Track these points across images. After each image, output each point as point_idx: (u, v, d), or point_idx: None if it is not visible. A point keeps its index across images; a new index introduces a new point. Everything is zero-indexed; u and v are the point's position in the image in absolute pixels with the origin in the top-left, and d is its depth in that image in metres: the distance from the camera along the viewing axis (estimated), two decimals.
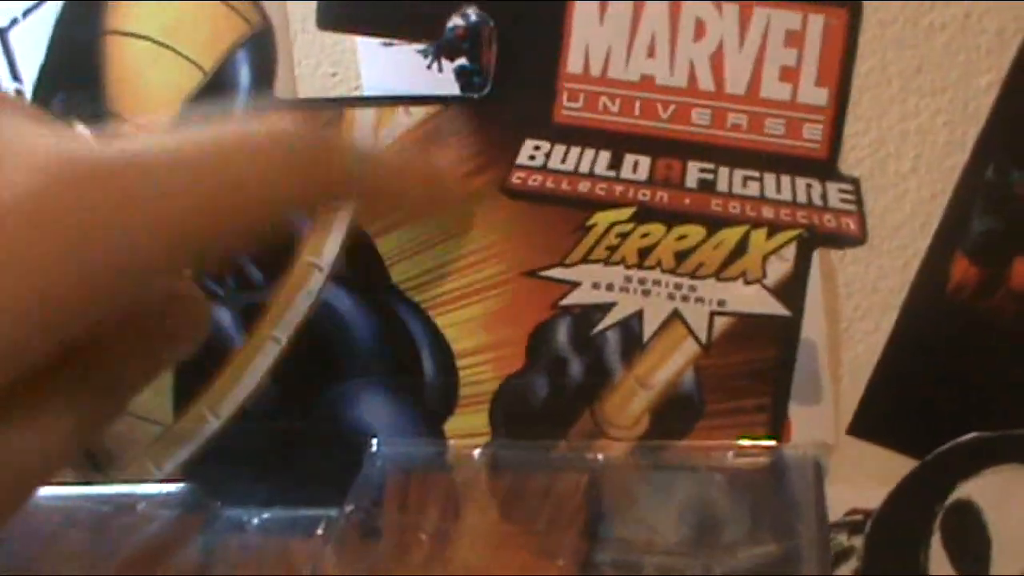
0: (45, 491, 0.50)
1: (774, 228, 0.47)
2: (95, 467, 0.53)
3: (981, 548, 0.50)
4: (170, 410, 0.52)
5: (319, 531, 0.49)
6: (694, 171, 0.47)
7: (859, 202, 0.47)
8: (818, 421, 0.50)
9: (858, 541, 0.51)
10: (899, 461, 0.50)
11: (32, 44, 0.49)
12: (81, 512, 0.52)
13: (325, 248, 0.50)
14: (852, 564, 0.51)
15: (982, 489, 0.50)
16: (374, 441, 0.51)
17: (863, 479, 0.50)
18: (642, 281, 0.48)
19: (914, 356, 0.49)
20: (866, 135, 0.47)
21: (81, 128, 0.50)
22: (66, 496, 0.52)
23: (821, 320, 0.49)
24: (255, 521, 0.51)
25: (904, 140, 0.47)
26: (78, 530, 0.51)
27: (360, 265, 0.50)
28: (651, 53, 0.46)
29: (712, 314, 0.48)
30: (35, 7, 0.49)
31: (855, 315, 0.49)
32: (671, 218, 0.47)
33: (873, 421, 0.50)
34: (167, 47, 0.48)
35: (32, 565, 0.49)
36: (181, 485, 0.52)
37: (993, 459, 0.50)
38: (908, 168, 0.47)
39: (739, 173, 0.47)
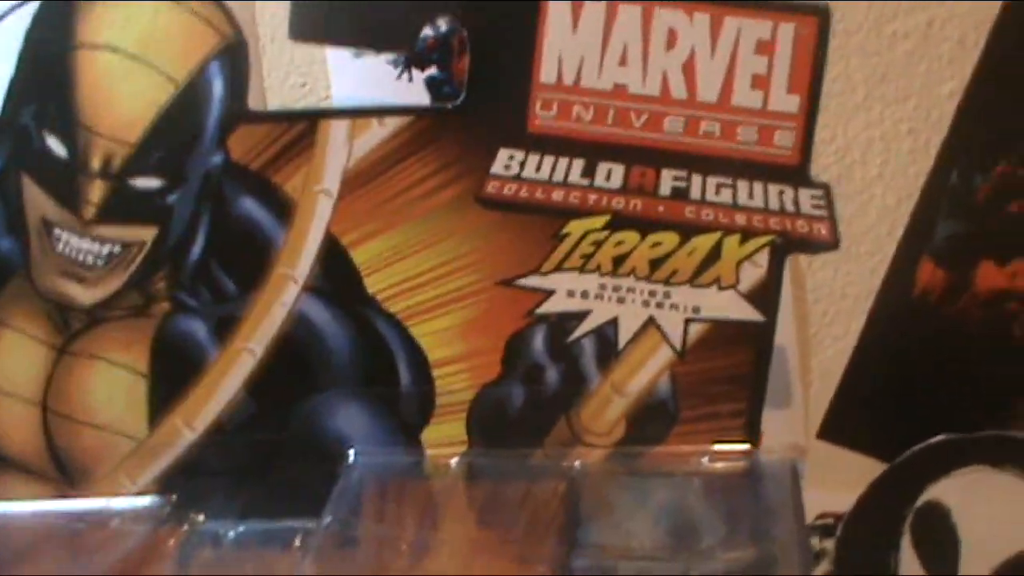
0: (17, 508, 0.50)
1: (747, 234, 0.47)
2: (67, 482, 0.52)
3: (950, 549, 0.51)
4: (144, 423, 0.52)
5: (296, 543, 0.49)
6: (667, 179, 0.47)
7: (830, 207, 0.47)
8: (788, 425, 0.50)
9: (829, 544, 0.51)
10: (869, 464, 0.51)
11: (1, 57, 0.49)
12: (54, 529, 0.51)
13: (299, 259, 0.50)
14: (824, 567, 0.52)
15: (951, 491, 0.50)
16: (351, 452, 0.51)
17: (833, 483, 0.51)
18: (617, 288, 0.49)
19: (882, 360, 0.50)
20: (832, 142, 0.48)
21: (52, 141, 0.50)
22: (38, 513, 0.52)
23: (791, 325, 0.50)
24: (231, 534, 0.50)
25: (870, 147, 0.48)
26: (51, 547, 0.51)
27: (335, 276, 0.50)
28: (623, 62, 0.46)
29: (687, 320, 0.49)
30: (2, 18, 0.48)
31: (824, 320, 0.50)
32: (645, 226, 0.48)
33: (843, 425, 0.51)
34: (139, 60, 0.48)
35: None
36: (156, 499, 0.52)
37: (961, 461, 0.50)
38: (874, 175, 0.48)
39: (712, 180, 0.47)
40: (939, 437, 0.50)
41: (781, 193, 0.47)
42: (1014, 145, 0.47)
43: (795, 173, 0.47)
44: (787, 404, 0.50)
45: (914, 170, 0.48)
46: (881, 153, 0.48)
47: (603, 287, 0.48)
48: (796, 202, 0.47)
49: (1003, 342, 0.49)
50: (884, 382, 0.50)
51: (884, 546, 0.51)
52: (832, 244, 0.48)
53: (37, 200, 0.50)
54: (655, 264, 0.48)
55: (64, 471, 0.52)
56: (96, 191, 0.49)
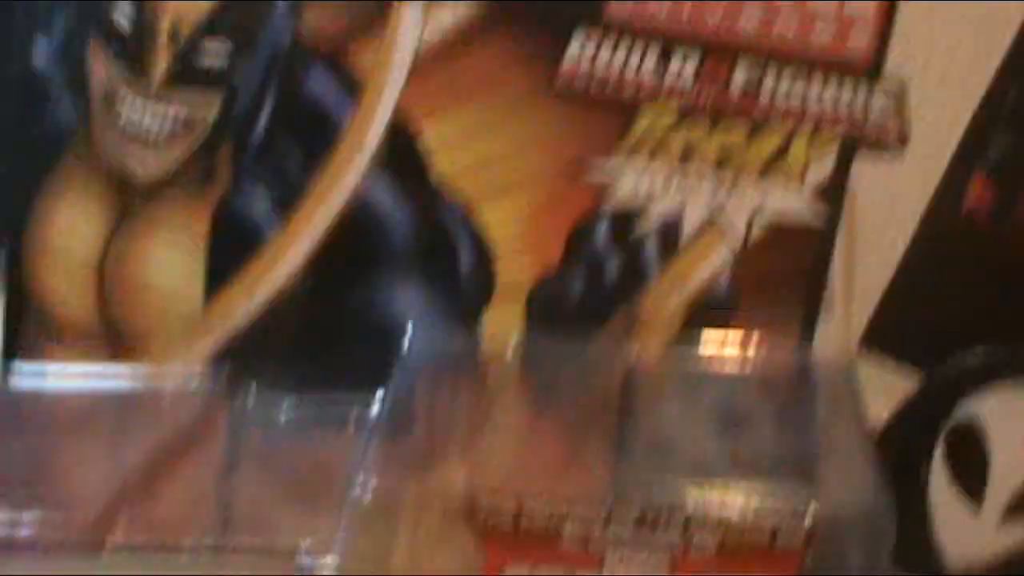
0: (69, 372, 0.50)
1: (817, 131, 0.48)
2: (121, 351, 0.52)
3: (982, 464, 0.51)
4: (201, 295, 0.51)
5: (350, 423, 0.49)
6: (741, 73, 0.47)
7: (901, 109, 0.47)
8: (829, 332, 0.51)
9: None
10: (907, 376, 0.51)
11: None
12: (106, 397, 0.51)
13: (366, 138, 0.49)
14: None
15: (987, 405, 0.51)
16: (407, 334, 0.50)
17: (872, 392, 0.51)
18: (683, 181, 0.49)
19: (928, 274, 0.50)
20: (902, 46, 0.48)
21: None
22: (91, 378, 0.52)
23: (840, 233, 0.50)
24: (285, 410, 0.50)
25: (930, 56, 0.48)
26: (101, 417, 0.51)
27: (401, 157, 0.50)
28: None
29: (751, 216, 0.49)
30: None
31: (871, 232, 0.50)
32: (716, 118, 0.48)
33: (884, 335, 0.51)
34: None
35: (54, 452, 0.49)
36: (209, 371, 0.52)
37: (999, 375, 0.51)
38: (933, 85, 0.48)
39: (785, 75, 0.47)
40: (977, 350, 0.50)
41: (853, 92, 0.47)
42: None
43: (868, 72, 0.47)
44: (830, 312, 0.50)
45: (972, 84, 0.48)
46: (939, 66, 0.48)
47: (670, 179, 0.49)
48: (868, 101, 0.47)
49: None
50: (928, 297, 0.51)
51: (917, 457, 0.51)
52: (901, 146, 0.48)
53: (102, 68, 0.50)
54: (723, 157, 0.48)
55: (119, 341, 0.52)
56: (162, 62, 0.49)
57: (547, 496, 0.38)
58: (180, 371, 0.52)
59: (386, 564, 0.40)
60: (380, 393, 0.48)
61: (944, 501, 0.51)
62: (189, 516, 0.44)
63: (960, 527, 0.51)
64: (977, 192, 0.49)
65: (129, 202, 0.51)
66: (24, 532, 0.40)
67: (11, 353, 0.52)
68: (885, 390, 0.51)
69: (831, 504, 0.39)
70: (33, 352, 0.52)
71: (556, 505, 0.38)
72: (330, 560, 0.39)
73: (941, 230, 0.50)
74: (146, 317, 0.52)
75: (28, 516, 0.40)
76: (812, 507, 0.38)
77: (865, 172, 0.49)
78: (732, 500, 0.38)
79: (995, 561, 0.51)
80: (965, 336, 0.51)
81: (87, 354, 0.52)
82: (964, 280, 0.50)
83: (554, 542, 0.38)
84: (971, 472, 0.51)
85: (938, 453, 0.51)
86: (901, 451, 0.52)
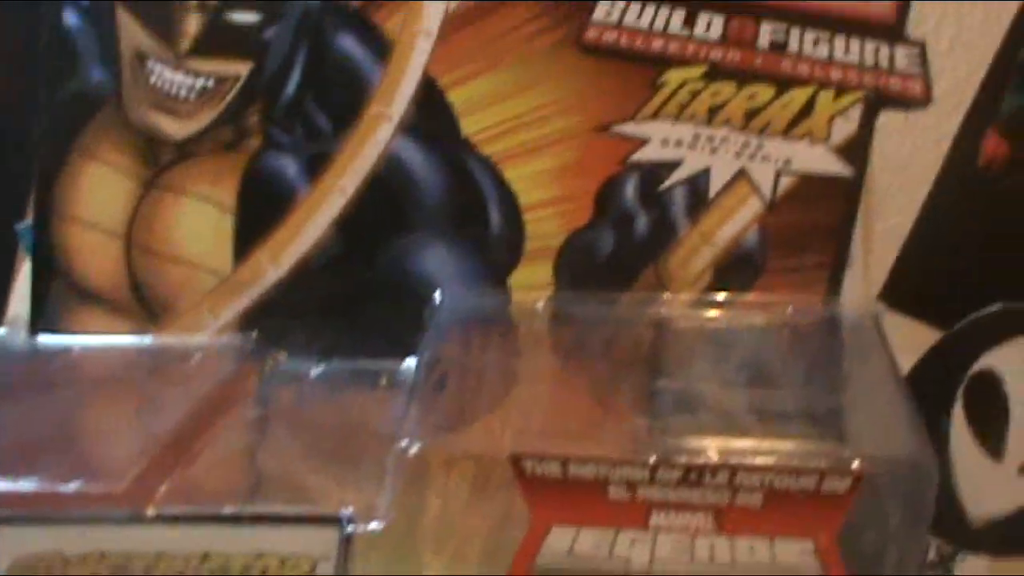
0: (98, 341, 0.50)
1: (841, 89, 0.48)
2: (150, 317, 0.52)
3: (1001, 416, 0.52)
4: (230, 259, 0.52)
5: (382, 383, 0.49)
6: (766, 31, 0.48)
7: (924, 65, 0.48)
8: (848, 288, 0.51)
9: None
10: (926, 331, 0.52)
11: None
12: (135, 362, 0.51)
13: (395, 99, 0.50)
14: None
15: (1004, 359, 0.52)
16: (438, 293, 0.51)
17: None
18: (711, 139, 0.49)
19: (944, 230, 0.51)
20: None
21: None
22: (120, 346, 0.52)
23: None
24: (314, 372, 0.51)
25: (943, 18, 0.49)
26: (132, 379, 0.51)
27: (430, 117, 0.50)
28: None
29: (778, 172, 0.49)
30: None
31: (889, 189, 0.51)
32: (742, 77, 0.49)
33: (903, 291, 0.52)
34: None
35: (84, 418, 0.49)
36: (239, 336, 0.52)
37: (1016, 330, 0.52)
38: (945, 46, 0.49)
39: (810, 34, 0.48)
40: (996, 305, 0.51)
41: (877, 50, 0.48)
42: None
43: (891, 30, 0.48)
44: (849, 267, 0.51)
45: (984, 45, 0.49)
46: (953, 24, 0.49)
47: (697, 137, 0.49)
48: (891, 59, 0.48)
49: None
50: (945, 251, 0.52)
51: (936, 411, 0.52)
52: (924, 101, 0.49)
53: (131, 31, 0.50)
54: (749, 116, 0.49)
55: (147, 306, 0.52)
56: (192, 23, 0.49)
57: (591, 453, 0.38)
58: (209, 336, 0.52)
59: (422, 522, 0.40)
60: (412, 354, 0.48)
61: (965, 455, 0.52)
62: (224, 480, 0.44)
63: (981, 480, 0.52)
64: (991, 148, 0.50)
65: (158, 166, 0.51)
66: (64, 503, 0.40)
67: (39, 319, 0.52)
68: (904, 347, 0.51)
69: (872, 450, 0.39)
70: (61, 318, 0.52)
71: (601, 463, 0.38)
72: (375, 525, 0.39)
73: (957, 186, 0.51)
74: (175, 282, 0.52)
75: (67, 487, 0.40)
76: (858, 451, 0.38)
77: (881, 130, 0.50)
78: (775, 449, 0.39)
79: (1016, 511, 0.52)
80: (983, 291, 0.51)
81: (116, 320, 0.52)
82: (980, 235, 0.51)
83: (600, 498, 0.38)
84: (991, 426, 0.52)
85: (957, 408, 0.52)
86: (921, 406, 0.52)
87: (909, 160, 0.51)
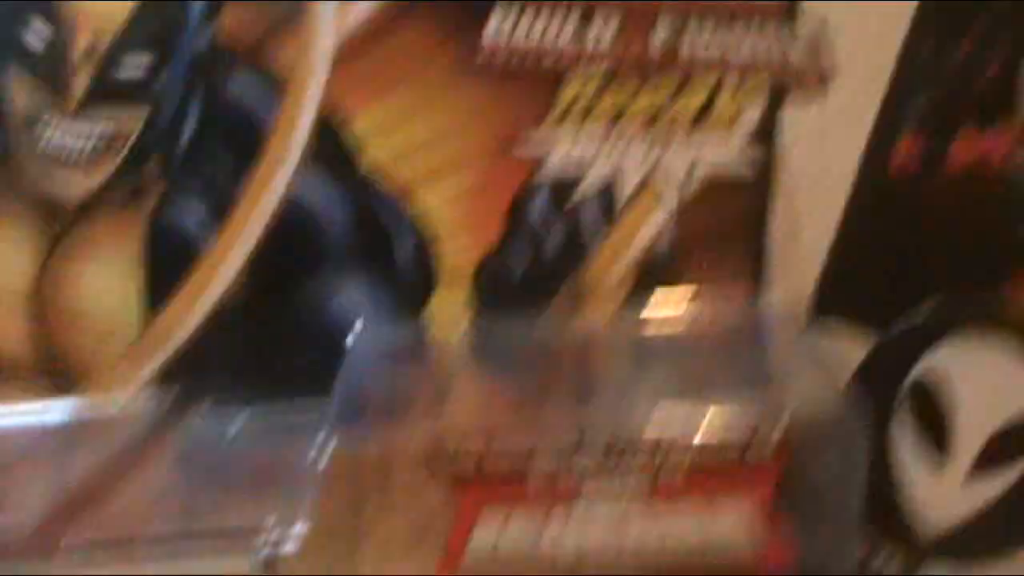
0: (9, 412, 0.48)
1: (741, 82, 0.48)
2: (62, 383, 0.51)
3: (945, 420, 0.51)
4: (140, 317, 0.50)
5: (305, 426, 0.48)
6: (662, 28, 0.48)
7: (821, 51, 0.48)
8: (773, 288, 0.50)
9: None
10: (860, 338, 0.51)
11: None
12: (49, 430, 0.50)
13: (293, 136, 0.49)
14: None
15: (945, 359, 0.51)
16: (354, 330, 0.50)
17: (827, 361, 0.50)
18: (616, 144, 0.49)
19: (866, 236, 0.51)
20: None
21: None
22: (33, 416, 0.50)
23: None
24: (236, 424, 0.49)
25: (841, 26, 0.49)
26: (47, 447, 0.49)
27: (330, 151, 0.49)
28: None
29: (688, 170, 0.49)
30: None
31: (807, 204, 0.50)
32: (641, 79, 0.48)
33: (833, 300, 0.51)
34: None
35: None
36: (156, 394, 0.50)
37: (953, 328, 0.51)
38: (851, 48, 0.49)
39: (707, 27, 0.48)
40: (928, 303, 0.50)
41: (773, 38, 0.48)
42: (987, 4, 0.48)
43: (785, 20, 0.48)
44: (772, 266, 0.50)
45: (889, 42, 0.49)
46: (853, 31, 0.49)
47: (602, 143, 0.49)
48: (787, 46, 0.48)
49: (979, 213, 0.50)
50: (871, 256, 0.51)
51: (878, 420, 0.51)
52: (823, 88, 0.48)
53: (19, 92, 0.49)
54: (653, 116, 0.48)
55: (58, 372, 0.51)
56: (81, 79, 0.48)
57: (512, 434, 0.37)
58: (124, 397, 0.50)
59: (355, 528, 0.39)
60: (332, 392, 0.47)
61: (910, 462, 0.51)
62: (139, 519, 0.42)
63: (928, 487, 0.51)
64: (904, 149, 0.50)
65: (58, 227, 0.50)
66: None
67: None
68: (841, 355, 0.50)
69: (798, 415, 0.38)
70: None
71: (521, 441, 0.37)
72: (297, 530, 0.37)
73: (873, 190, 0.50)
74: (84, 344, 0.50)
75: None
76: (782, 419, 0.37)
77: (794, 132, 0.49)
78: (699, 418, 0.38)
79: (965, 519, 0.51)
80: (914, 292, 0.51)
81: (25, 389, 0.51)
82: (903, 237, 0.51)
83: (523, 481, 0.37)
84: (935, 430, 0.51)
85: (899, 414, 0.51)
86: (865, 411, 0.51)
87: (826, 165, 0.50)
